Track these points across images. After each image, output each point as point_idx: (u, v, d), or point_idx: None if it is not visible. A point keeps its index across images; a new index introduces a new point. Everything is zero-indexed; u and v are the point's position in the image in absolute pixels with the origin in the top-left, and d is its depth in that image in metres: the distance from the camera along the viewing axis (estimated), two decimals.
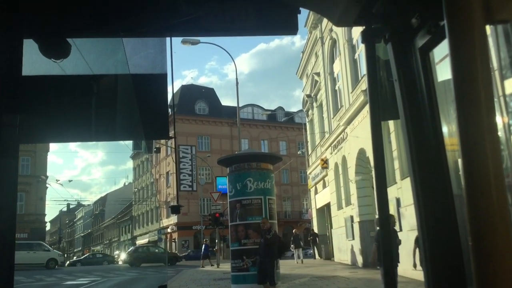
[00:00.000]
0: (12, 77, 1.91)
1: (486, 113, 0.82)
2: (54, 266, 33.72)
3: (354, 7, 1.51)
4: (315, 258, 27.93)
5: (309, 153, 30.93)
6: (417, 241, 9.70)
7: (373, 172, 1.54)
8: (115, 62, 2.26)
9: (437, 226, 1.39)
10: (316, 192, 28.71)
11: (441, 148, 1.39)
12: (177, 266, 33.66)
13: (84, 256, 51.46)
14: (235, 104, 24.00)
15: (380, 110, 1.52)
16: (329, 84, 23.47)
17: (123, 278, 23.62)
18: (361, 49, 17.84)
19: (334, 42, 22.37)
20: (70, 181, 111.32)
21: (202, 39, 19.62)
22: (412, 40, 1.43)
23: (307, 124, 31.18)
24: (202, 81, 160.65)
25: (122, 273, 26.57)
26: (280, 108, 62.02)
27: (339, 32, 20.59)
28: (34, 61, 1.98)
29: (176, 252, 44.10)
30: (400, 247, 12.50)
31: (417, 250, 9.97)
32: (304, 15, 25.69)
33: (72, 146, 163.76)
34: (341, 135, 20.71)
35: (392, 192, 13.87)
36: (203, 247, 28.05)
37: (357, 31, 16.88)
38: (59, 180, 63.71)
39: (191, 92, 54.51)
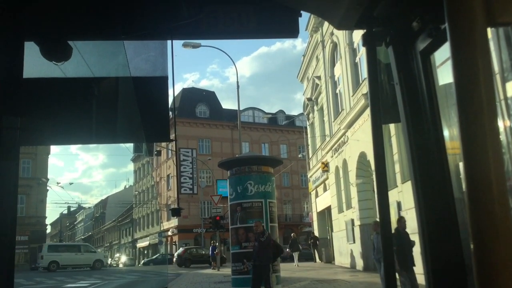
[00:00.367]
0: (13, 79, 1.92)
1: (487, 116, 0.82)
2: (100, 267, 34.47)
3: (355, 10, 1.51)
4: (315, 261, 27.89)
5: (310, 157, 30.92)
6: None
7: (374, 176, 1.53)
8: (116, 64, 2.26)
9: (438, 229, 1.38)
10: (316, 195, 28.68)
11: (442, 152, 1.39)
12: (178, 268, 33.62)
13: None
14: (236, 107, 24.04)
15: (381, 114, 1.52)
16: (330, 88, 23.48)
17: (123, 280, 23.59)
18: (362, 53, 17.85)
19: (335, 46, 22.39)
20: (71, 183, 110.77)
21: (203, 42, 19.67)
22: (413, 43, 1.42)
23: (308, 127, 31.18)
24: (204, 84, 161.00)
25: (123, 276, 26.52)
26: (281, 111, 62.04)
27: (340, 35, 20.62)
28: (35, 63, 1.98)
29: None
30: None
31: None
32: (305, 19, 25.73)
33: (73, 148, 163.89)
34: (342, 139, 20.71)
35: (393, 196, 13.85)
36: (210, 249, 27.95)
37: (358, 34, 16.89)
38: (59, 183, 63.86)
39: (192, 95, 54.56)
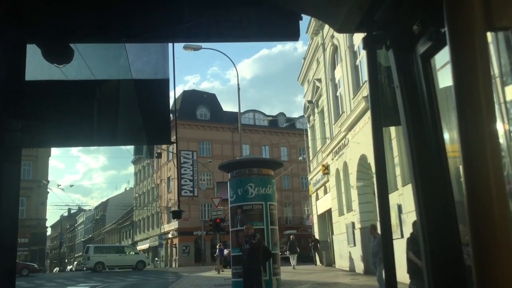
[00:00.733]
0: (15, 81, 1.92)
1: (487, 119, 0.82)
2: (142, 268, 35.62)
3: (356, 13, 1.52)
4: (316, 264, 27.86)
5: (310, 159, 30.91)
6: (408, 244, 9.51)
7: (374, 178, 1.54)
8: (117, 67, 2.27)
9: (439, 232, 1.39)
10: (317, 198, 28.66)
11: (443, 155, 1.40)
12: (179, 272, 33.63)
13: None
14: (236, 110, 24.03)
15: (382, 116, 1.52)
16: (330, 90, 23.49)
17: (124, 283, 23.56)
18: (362, 56, 17.87)
19: (335, 49, 22.41)
20: (71, 186, 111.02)
21: (204, 44, 19.70)
22: (413, 46, 1.43)
23: (309, 130, 31.18)
24: (204, 86, 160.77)
25: (123, 279, 26.50)
26: (282, 113, 62.06)
27: (341, 38, 20.64)
28: (37, 66, 1.99)
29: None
30: (402, 254, 12.46)
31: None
32: (306, 22, 25.76)
33: (74, 151, 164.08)
34: (343, 141, 20.70)
35: (393, 199, 13.84)
36: (218, 251, 27.89)
37: (358, 37, 16.91)
38: (60, 185, 63.90)
39: (193, 98, 54.58)
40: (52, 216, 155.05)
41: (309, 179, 31.77)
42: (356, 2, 1.47)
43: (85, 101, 2.16)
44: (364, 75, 17.66)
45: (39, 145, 2.70)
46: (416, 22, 1.35)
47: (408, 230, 13.00)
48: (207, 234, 41.75)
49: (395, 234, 13.28)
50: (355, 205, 19.18)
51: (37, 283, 24.31)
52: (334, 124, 22.84)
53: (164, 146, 35.03)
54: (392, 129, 13.02)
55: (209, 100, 57.26)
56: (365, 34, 1.53)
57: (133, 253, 36.57)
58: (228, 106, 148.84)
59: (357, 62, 19.20)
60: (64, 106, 2.14)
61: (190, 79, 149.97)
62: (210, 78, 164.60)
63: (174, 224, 50.63)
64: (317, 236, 28.04)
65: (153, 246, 57.42)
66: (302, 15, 2.02)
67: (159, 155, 35.44)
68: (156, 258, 55.82)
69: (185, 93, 55.40)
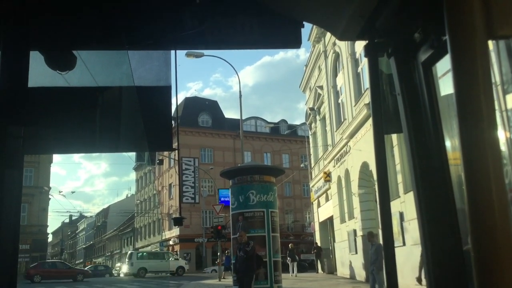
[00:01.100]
0: (18, 88, 1.93)
1: (488, 127, 0.82)
2: (182, 273, 37.09)
3: (357, 21, 1.53)
4: (317, 272, 27.74)
5: (312, 166, 30.87)
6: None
7: (376, 186, 1.54)
8: (120, 74, 2.28)
9: (441, 240, 1.38)
10: (319, 205, 28.59)
11: (444, 162, 1.39)
12: (181, 278, 33.57)
13: None
14: (238, 117, 24.02)
15: (383, 124, 1.52)
16: (332, 98, 23.51)
17: None
18: (364, 63, 17.90)
19: (337, 56, 22.46)
20: (73, 192, 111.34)
21: (206, 52, 19.73)
22: (415, 54, 1.43)
23: (310, 137, 31.17)
24: (207, 93, 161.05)
25: (123, 286, 26.41)
26: (283, 121, 62.09)
27: (342, 46, 20.69)
28: (40, 72, 2.00)
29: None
30: (403, 262, 12.40)
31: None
32: (308, 29, 25.83)
33: (76, 157, 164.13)
34: (344, 148, 20.69)
35: (395, 206, 13.80)
36: (224, 259, 27.83)
37: (360, 45, 16.94)
38: (62, 192, 63.94)
39: (195, 105, 54.67)
40: (53, 222, 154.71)
41: (310, 186, 31.70)
42: (358, 10, 1.48)
43: (87, 108, 2.17)
44: (366, 82, 17.68)
45: (41, 152, 2.71)
46: (417, 30, 1.36)
47: (410, 238, 12.96)
48: (208, 241, 41.63)
49: (397, 241, 13.23)
50: (357, 212, 19.12)
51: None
52: (335, 131, 22.83)
53: (165, 153, 35.05)
54: (394, 136, 13.01)
55: (211, 107, 57.34)
56: (367, 41, 1.53)
57: (172, 259, 37.82)
58: (230, 113, 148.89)
59: (359, 70, 19.23)
60: (67, 113, 2.15)
61: (192, 86, 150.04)
62: (212, 85, 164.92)
63: (176, 231, 50.53)
64: (319, 244, 27.95)
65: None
66: (304, 22, 2.03)
67: (161, 162, 35.46)
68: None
69: (187, 100, 55.50)
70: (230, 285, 15.78)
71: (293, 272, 25.46)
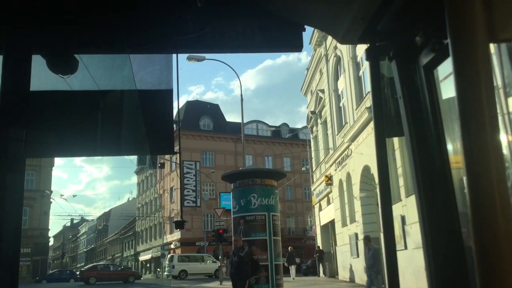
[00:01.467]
0: (20, 91, 1.93)
1: (490, 131, 0.82)
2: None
3: (359, 25, 1.53)
4: (319, 275, 27.69)
5: (313, 170, 30.85)
6: None
7: (377, 189, 1.54)
8: (121, 78, 2.28)
9: (443, 244, 1.38)
10: (320, 209, 28.55)
11: (446, 166, 1.39)
12: (184, 281, 33.58)
13: None
14: (240, 120, 24.02)
15: (385, 127, 1.52)
16: (333, 101, 23.51)
17: None
18: (365, 67, 17.91)
19: (338, 60, 22.47)
20: (74, 196, 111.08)
21: (207, 55, 19.77)
22: (416, 57, 1.43)
23: (312, 140, 31.16)
24: (208, 96, 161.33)
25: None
26: (285, 124, 62.07)
27: (344, 49, 20.71)
28: (41, 76, 2.00)
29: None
30: (405, 266, 12.38)
31: None
32: (309, 32, 25.86)
33: (78, 161, 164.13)
34: (346, 152, 20.67)
35: (397, 210, 13.78)
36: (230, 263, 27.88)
37: (361, 48, 16.96)
38: (63, 195, 63.72)
39: (196, 108, 54.71)
40: (54, 226, 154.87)
41: (312, 189, 31.67)
42: (359, 13, 1.48)
43: (89, 111, 2.17)
44: (367, 86, 17.69)
45: (43, 155, 2.71)
46: (419, 33, 1.36)
47: (412, 241, 12.92)
48: (210, 245, 41.57)
49: (399, 245, 13.19)
50: (358, 216, 19.09)
51: None
52: (337, 134, 22.83)
53: (167, 156, 35.07)
54: (395, 140, 13.00)
55: (213, 110, 57.38)
56: (368, 45, 1.53)
57: (211, 261, 38.58)
58: (232, 116, 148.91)
59: (360, 73, 19.23)
60: (68, 116, 2.15)
61: (194, 89, 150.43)
62: (214, 89, 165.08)
63: (177, 235, 50.48)
64: (320, 247, 27.91)
65: (156, 257, 57.14)
66: (306, 26, 2.03)
67: (162, 166, 35.50)
68: (158, 269, 55.54)
69: (189, 104, 55.54)
70: None
71: (294, 275, 25.52)
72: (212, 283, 27.48)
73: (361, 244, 18.74)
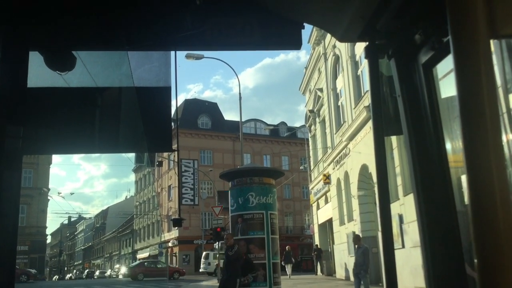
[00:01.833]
0: (17, 88, 1.92)
1: (491, 129, 0.82)
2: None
3: (358, 23, 1.52)
4: (316, 274, 27.73)
5: (312, 169, 30.86)
6: None
7: (375, 188, 1.53)
8: (119, 75, 2.27)
9: (440, 242, 1.38)
10: (318, 208, 28.58)
11: (444, 164, 1.39)
12: (179, 280, 33.60)
13: None
14: (238, 119, 24.01)
15: (383, 126, 1.52)
16: (332, 100, 23.52)
17: None
18: (364, 65, 17.92)
19: (337, 58, 22.47)
20: (72, 193, 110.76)
21: (206, 53, 19.75)
22: (415, 56, 1.43)
23: (310, 139, 31.18)
24: (207, 95, 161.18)
25: (122, 287, 26.36)
26: (283, 123, 62.07)
27: (342, 48, 20.71)
28: (39, 73, 1.99)
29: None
30: (403, 265, 12.40)
31: None
32: (308, 31, 25.86)
33: (75, 158, 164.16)
34: (344, 151, 20.69)
35: (395, 209, 13.79)
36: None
37: (360, 47, 16.96)
38: (61, 193, 63.43)
39: (194, 106, 54.68)
40: (52, 224, 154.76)
41: (310, 188, 31.70)
42: (358, 12, 1.47)
43: (87, 109, 2.16)
44: (366, 85, 17.70)
45: (40, 152, 2.70)
46: (418, 32, 1.35)
47: (409, 240, 12.95)
48: (208, 243, 41.55)
49: (396, 244, 13.22)
50: (356, 214, 19.12)
51: None
52: (335, 133, 22.84)
53: (165, 155, 35.02)
54: (394, 138, 13.02)
55: (211, 109, 57.35)
56: (367, 43, 1.53)
57: None
58: (231, 115, 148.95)
59: (359, 72, 19.24)
60: (66, 113, 2.14)
61: (192, 87, 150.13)
62: (213, 87, 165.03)
63: (175, 233, 50.49)
64: (318, 246, 27.96)
65: (153, 255, 57.16)
66: (304, 24, 2.02)
67: (160, 164, 35.46)
68: None
69: (187, 102, 55.51)
70: None
71: (289, 273, 25.63)
72: (210, 281, 27.51)
73: None
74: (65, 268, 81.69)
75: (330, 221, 25.05)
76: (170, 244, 52.23)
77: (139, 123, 2.19)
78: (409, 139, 1.47)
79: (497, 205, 0.79)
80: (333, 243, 25.04)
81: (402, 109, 1.50)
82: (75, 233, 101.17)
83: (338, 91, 22.89)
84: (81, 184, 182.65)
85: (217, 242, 25.02)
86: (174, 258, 50.76)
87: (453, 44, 0.87)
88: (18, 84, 1.92)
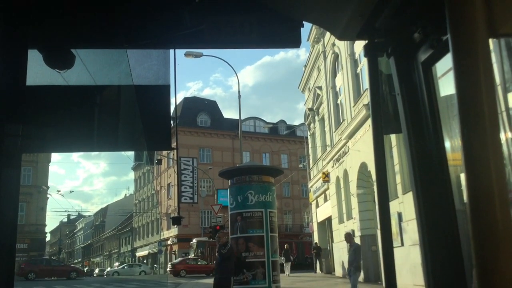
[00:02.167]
0: (16, 86, 1.92)
1: (489, 127, 0.82)
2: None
3: (357, 21, 1.52)
4: (315, 272, 27.78)
5: (311, 167, 30.87)
6: None
7: (374, 186, 1.54)
8: (118, 73, 2.27)
9: (439, 241, 1.38)
10: (317, 206, 28.60)
11: (443, 163, 1.39)
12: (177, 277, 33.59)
13: None
14: (237, 117, 24.01)
15: (383, 124, 1.52)
16: (331, 98, 23.52)
17: None
18: (363, 64, 17.90)
19: (336, 56, 22.46)
20: (71, 191, 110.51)
21: (205, 52, 19.72)
22: (415, 54, 1.43)
23: (309, 137, 31.18)
24: (207, 93, 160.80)
25: (121, 285, 26.39)
26: (282, 121, 62.09)
27: (342, 46, 20.70)
28: (38, 71, 1.99)
29: None
30: (402, 263, 12.42)
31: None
32: (307, 29, 25.83)
33: (75, 156, 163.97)
34: (343, 149, 20.70)
35: (394, 207, 13.80)
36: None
37: (359, 45, 16.95)
38: (60, 191, 63.48)
39: (194, 104, 54.67)
40: (51, 222, 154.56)
41: (309, 186, 31.72)
42: (358, 10, 1.47)
43: (86, 107, 2.16)
44: (365, 83, 17.69)
45: (40, 150, 2.69)
46: (417, 30, 1.35)
47: (408, 238, 12.96)
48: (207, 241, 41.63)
49: (395, 242, 13.24)
50: (355, 213, 19.14)
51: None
52: (334, 131, 22.84)
53: (164, 153, 35.07)
54: (393, 137, 13.02)
55: (210, 107, 57.34)
56: (366, 41, 1.53)
57: None
58: (230, 113, 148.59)
59: (358, 70, 19.24)
60: (65, 112, 2.14)
61: (192, 85, 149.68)
62: (212, 85, 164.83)
63: (174, 231, 50.52)
64: (318, 244, 28.01)
65: (153, 253, 57.22)
66: (304, 22, 2.02)
67: (160, 162, 35.48)
68: (156, 265, 55.64)
69: (186, 100, 55.50)
70: None
71: (289, 271, 25.68)
72: (209, 279, 27.54)
73: (358, 241, 18.79)
74: None
75: (329, 219, 25.07)
76: (169, 242, 52.29)
77: (138, 121, 2.19)
78: (408, 137, 1.47)
79: (496, 203, 0.79)
80: (332, 241, 25.07)
81: (401, 107, 1.50)
82: (75, 231, 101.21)
83: (337, 89, 22.89)
84: (81, 182, 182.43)
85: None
86: (173, 256, 50.79)
87: (452, 43, 0.87)
88: (17, 82, 1.92)
